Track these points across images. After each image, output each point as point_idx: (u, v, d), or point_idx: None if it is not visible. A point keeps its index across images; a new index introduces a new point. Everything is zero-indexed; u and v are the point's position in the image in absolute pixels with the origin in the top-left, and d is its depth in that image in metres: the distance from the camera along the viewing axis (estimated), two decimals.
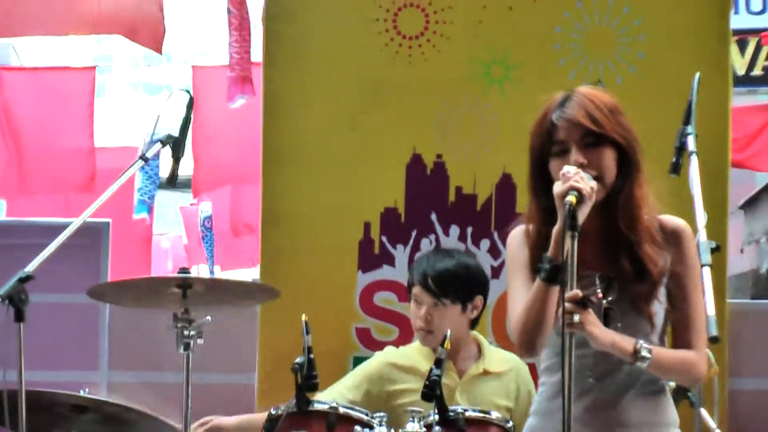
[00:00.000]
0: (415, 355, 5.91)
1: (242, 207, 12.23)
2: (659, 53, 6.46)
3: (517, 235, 4.58)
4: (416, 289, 5.81)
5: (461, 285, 5.89)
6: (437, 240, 6.40)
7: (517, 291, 4.50)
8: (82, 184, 11.02)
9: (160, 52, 10.78)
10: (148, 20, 10.63)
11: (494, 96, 6.37)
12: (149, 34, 10.73)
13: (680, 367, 4.51)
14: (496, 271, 6.18)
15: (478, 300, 5.88)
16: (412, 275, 5.96)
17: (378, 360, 6.07)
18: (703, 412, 5.70)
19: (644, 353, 4.29)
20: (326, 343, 5.79)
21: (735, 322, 6.57)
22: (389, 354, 6.06)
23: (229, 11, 7.97)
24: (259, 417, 5.65)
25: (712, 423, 5.70)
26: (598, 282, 4.33)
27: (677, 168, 4.84)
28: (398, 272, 6.37)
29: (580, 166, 4.22)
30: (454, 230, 6.37)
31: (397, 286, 6.36)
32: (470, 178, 6.44)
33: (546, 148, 4.39)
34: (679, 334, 4.53)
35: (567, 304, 4.08)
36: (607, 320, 4.30)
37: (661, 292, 4.44)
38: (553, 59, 6.35)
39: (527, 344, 4.41)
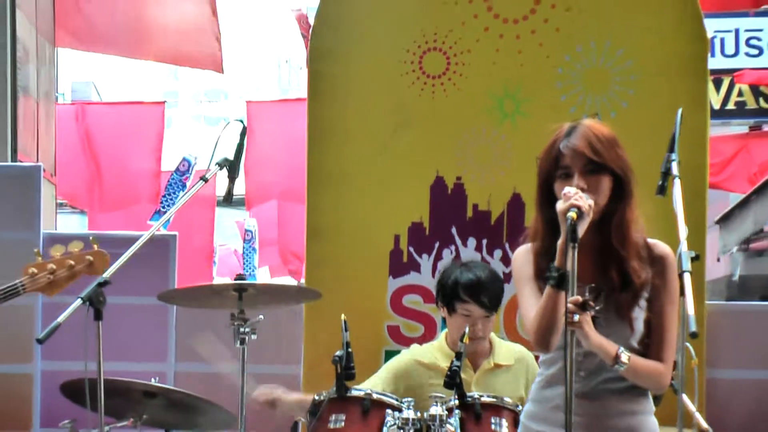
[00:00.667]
0: (436, 353, 6.44)
1: (287, 221, 12.97)
2: (648, 91, 6.93)
3: (522, 253, 5.05)
4: (468, 306, 6.27)
5: (499, 297, 6.46)
6: (457, 250, 6.94)
7: (526, 300, 4.95)
8: (149, 201, 11.88)
9: (222, 71, 12.11)
10: (208, 49, 12.09)
11: (506, 127, 6.90)
12: (209, 60, 12.22)
13: (649, 376, 4.98)
14: (507, 277, 6.53)
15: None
16: (457, 292, 6.38)
17: (405, 357, 6.58)
18: (685, 397, 5.63)
19: (623, 359, 4.79)
20: (362, 339, 6.37)
21: (712, 320, 7.11)
22: (415, 352, 6.57)
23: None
24: (310, 399, 6.11)
25: (692, 407, 5.98)
26: (587, 293, 4.69)
27: (663, 189, 5.15)
28: (423, 278, 6.93)
29: (581, 189, 4.65)
30: (472, 242, 6.91)
31: (423, 290, 6.94)
32: (485, 196, 6.95)
33: (552, 172, 4.80)
34: (653, 345, 4.98)
35: (569, 305, 4.51)
36: (594, 326, 4.73)
37: (641, 302, 4.92)
38: (556, 95, 6.87)
39: (543, 342, 4.87)
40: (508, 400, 5.99)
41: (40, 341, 5.40)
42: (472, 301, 6.21)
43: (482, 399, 5.96)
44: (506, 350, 6.51)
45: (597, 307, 4.70)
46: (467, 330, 5.96)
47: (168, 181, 11.44)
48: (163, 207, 12.33)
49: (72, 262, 5.66)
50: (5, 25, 9.69)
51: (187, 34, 12.74)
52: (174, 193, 11.90)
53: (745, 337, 7.41)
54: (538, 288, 4.86)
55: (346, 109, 7.09)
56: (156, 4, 12.69)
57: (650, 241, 4.98)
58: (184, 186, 11.19)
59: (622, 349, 4.74)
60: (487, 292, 6.25)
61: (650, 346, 4.96)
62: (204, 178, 6.26)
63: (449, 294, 6.32)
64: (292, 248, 13.87)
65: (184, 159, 8.28)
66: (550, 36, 7.08)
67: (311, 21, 9.95)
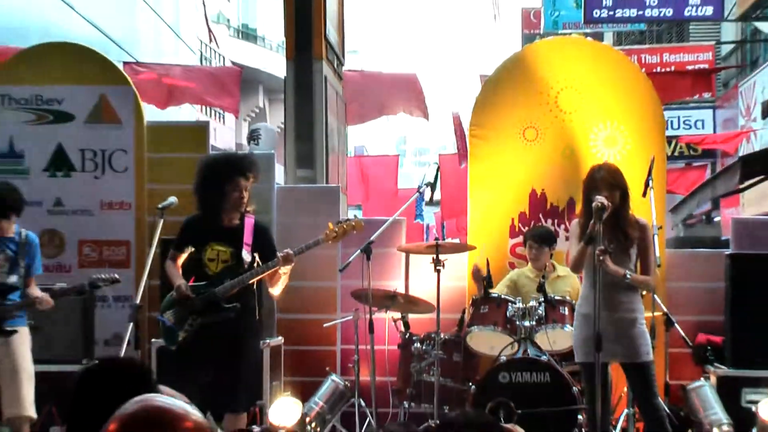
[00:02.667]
0: (528, 273, 9.50)
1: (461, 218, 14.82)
2: (637, 146, 10.08)
3: (574, 224, 7.84)
4: (530, 242, 9.45)
5: (550, 240, 9.49)
6: (542, 224, 10.08)
7: (573, 246, 7.74)
8: (392, 205, 14.72)
9: (427, 117, 15.16)
10: (417, 103, 15.23)
11: (567, 163, 9.99)
12: (421, 108, 15.23)
13: (642, 282, 7.68)
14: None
15: (553, 246, 9.55)
16: (527, 237, 9.60)
17: (516, 272, 9.64)
18: (656, 297, 8.91)
19: (628, 276, 7.47)
20: (498, 267, 9.65)
21: (667, 259, 9.92)
22: (520, 271, 9.64)
23: (455, 132, 11.88)
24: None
25: (661, 304, 9.05)
26: (607, 245, 7.36)
27: (645, 194, 8.81)
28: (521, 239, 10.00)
29: (605, 197, 7.32)
30: (548, 222, 10.22)
31: (520, 244, 10.08)
32: (555, 198, 10.21)
33: (590, 188, 7.58)
34: (642, 269, 7.62)
35: (597, 251, 7.15)
36: (612, 260, 7.43)
37: (634, 248, 7.63)
38: (591, 147, 10.05)
39: (577, 268, 7.79)
40: (568, 298, 8.97)
41: (341, 270, 9.18)
42: (530, 239, 9.54)
43: (555, 297, 8.93)
44: (561, 268, 9.52)
45: (610, 251, 7.40)
46: (549, 261, 9.39)
47: (416, 198, 13.52)
48: (418, 213, 15.82)
49: (345, 226, 8.25)
50: (323, 118, 11.98)
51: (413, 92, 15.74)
52: (419, 203, 15.25)
53: (682, 267, 10.32)
54: (579, 241, 7.57)
55: (492, 159, 10.38)
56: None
57: (638, 217, 7.76)
58: (422, 198, 13.50)
59: (627, 271, 7.47)
60: (539, 236, 9.52)
61: (641, 269, 7.66)
62: (420, 192, 10.12)
63: (525, 239, 9.64)
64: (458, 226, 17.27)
65: (419, 185, 11.13)
66: (583, 117, 10.26)
67: (462, 119, 12.92)
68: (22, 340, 8.30)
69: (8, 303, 8.25)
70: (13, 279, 8.31)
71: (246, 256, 8.01)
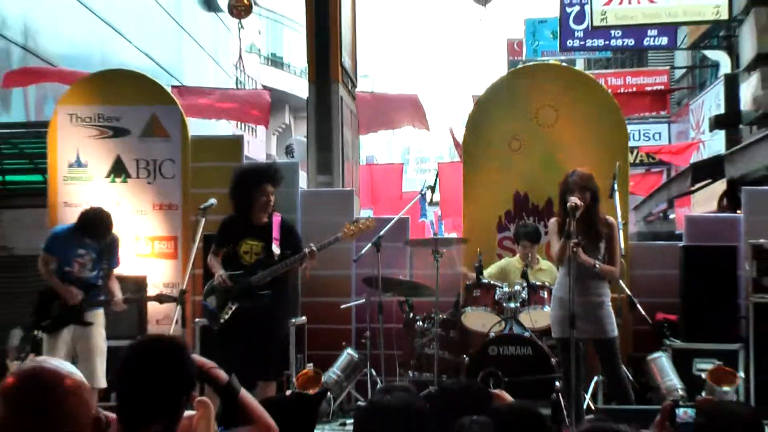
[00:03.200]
0: (516, 262, 9.53)
1: (452, 209, 14.77)
2: (601, 155, 9.88)
3: (553, 221, 7.89)
4: (524, 241, 9.46)
5: (539, 235, 9.47)
6: (525, 220, 10.06)
7: (553, 242, 7.78)
8: (397, 206, 13.75)
9: (428, 129, 14.91)
10: (419, 117, 14.85)
11: (549, 171, 9.92)
12: (422, 122, 14.97)
13: (609, 273, 7.69)
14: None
15: (539, 242, 9.53)
16: (519, 235, 9.55)
17: (505, 261, 9.71)
18: (622, 283, 9.00)
19: (597, 266, 7.55)
20: (488, 257, 9.57)
21: (632, 250, 9.88)
22: (509, 260, 9.68)
23: (454, 143, 11.74)
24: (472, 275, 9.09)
25: (625, 288, 9.17)
26: (580, 240, 7.39)
27: (611, 196, 8.45)
28: (511, 234, 9.94)
29: (579, 198, 7.40)
30: (530, 218, 10.15)
31: (511, 239, 10.02)
32: (536, 199, 10.23)
33: (566, 191, 7.63)
34: (609, 260, 7.64)
35: (571, 243, 7.27)
36: (584, 251, 7.52)
37: (603, 242, 7.67)
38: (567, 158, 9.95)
39: (559, 261, 7.70)
40: (547, 283, 9.00)
41: (355, 260, 9.43)
42: (524, 238, 9.53)
43: (536, 283, 9.06)
44: (543, 262, 9.59)
45: (582, 244, 7.47)
46: (534, 254, 9.43)
47: (419, 199, 13.70)
48: (422, 213, 15.57)
49: (360, 225, 8.44)
50: (339, 132, 12.09)
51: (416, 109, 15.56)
52: (423, 204, 14.71)
53: (643, 257, 10.30)
54: (558, 237, 7.63)
55: (482, 166, 10.45)
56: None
57: (606, 216, 7.82)
58: (424, 199, 13.43)
59: (596, 261, 7.58)
60: (530, 235, 9.51)
61: (608, 260, 7.70)
62: (422, 194, 10.63)
63: (517, 238, 9.59)
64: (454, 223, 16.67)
65: (421, 189, 11.18)
66: (559, 130, 10.27)
67: (455, 133, 12.83)
68: (98, 322, 8.54)
69: (91, 297, 8.50)
70: (95, 275, 8.54)
71: (275, 249, 8.09)
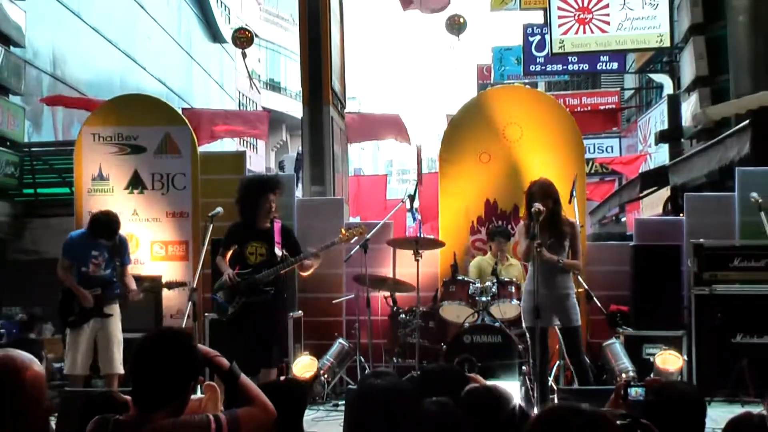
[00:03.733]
0: (488, 260, 9.53)
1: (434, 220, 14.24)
2: (561, 166, 9.92)
3: (520, 225, 7.88)
4: (498, 239, 9.47)
5: (509, 236, 9.47)
6: (495, 225, 10.02)
7: (520, 242, 7.74)
8: (381, 213, 14.59)
9: (410, 143, 15.32)
10: (401, 132, 15.23)
11: (516, 179, 9.87)
12: (404, 137, 15.31)
13: (572, 266, 7.73)
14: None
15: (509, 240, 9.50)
16: (493, 234, 9.58)
17: (479, 260, 9.68)
18: (580, 278, 8.81)
19: (560, 261, 7.56)
20: (462, 257, 9.81)
21: (588, 250, 9.95)
22: (483, 258, 9.68)
23: (417, 161, 12.08)
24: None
25: (583, 283, 8.95)
26: (545, 239, 7.48)
27: (570, 200, 8.88)
28: (483, 236, 10.08)
29: (542, 204, 7.38)
30: (499, 222, 10.09)
31: (483, 240, 10.11)
32: (504, 205, 10.18)
33: (530, 199, 7.60)
34: (572, 255, 7.68)
35: (535, 244, 7.27)
36: (550, 249, 7.57)
37: (567, 241, 7.69)
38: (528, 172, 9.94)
39: (526, 258, 7.67)
40: (514, 279, 9.09)
41: (345, 260, 9.27)
42: (495, 238, 9.57)
43: (505, 279, 9.08)
44: (512, 259, 9.61)
45: (546, 244, 7.53)
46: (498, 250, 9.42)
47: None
48: (409, 218, 15.60)
49: (353, 231, 8.51)
50: (330, 148, 12.08)
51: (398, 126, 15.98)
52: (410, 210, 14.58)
53: (598, 255, 10.23)
54: (525, 238, 7.58)
55: (456, 177, 10.35)
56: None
57: (568, 217, 7.98)
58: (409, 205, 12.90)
59: (560, 258, 7.60)
60: (504, 233, 9.53)
61: (571, 255, 7.74)
62: (403, 201, 10.30)
63: (492, 237, 9.64)
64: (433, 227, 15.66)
65: (403, 197, 11.28)
66: (524, 144, 10.24)
67: (423, 150, 12.55)
68: (115, 314, 8.55)
69: (108, 292, 8.53)
70: (109, 273, 8.57)
71: (278, 251, 8.14)
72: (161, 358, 3.21)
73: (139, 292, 8.63)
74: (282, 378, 8.07)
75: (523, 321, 7.95)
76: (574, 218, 8.07)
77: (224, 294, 8.14)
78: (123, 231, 9.72)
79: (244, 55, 16.79)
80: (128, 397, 3.32)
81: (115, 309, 8.55)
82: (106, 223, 8.53)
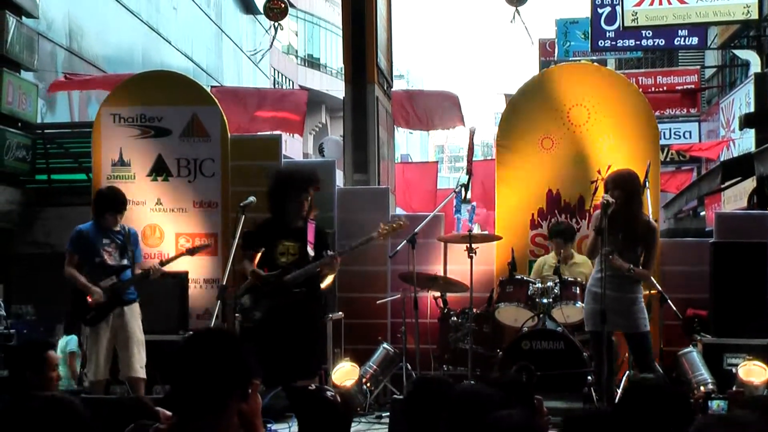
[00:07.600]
0: (551, 260, 9.62)
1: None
2: (633, 154, 10.02)
3: (595, 214, 7.87)
4: (556, 240, 9.60)
5: (572, 235, 9.64)
6: (557, 218, 10.10)
7: (591, 234, 7.89)
8: (433, 204, 14.49)
9: (463, 125, 15.40)
10: (457, 113, 15.41)
11: (584, 168, 10.04)
12: (459, 119, 15.44)
13: (642, 276, 7.86)
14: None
15: (574, 239, 9.63)
16: (552, 233, 9.68)
17: (543, 259, 9.80)
18: (653, 279, 8.81)
19: (631, 270, 7.69)
20: (520, 254, 9.92)
21: (663, 247, 9.65)
22: (546, 257, 9.79)
23: (468, 146, 11.69)
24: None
25: (656, 284, 9.02)
26: (618, 238, 7.56)
27: (643, 192, 8.42)
28: (544, 231, 10.14)
29: (611, 196, 7.59)
30: (562, 216, 10.18)
31: (544, 235, 10.16)
32: (568, 196, 10.23)
33: (604, 190, 7.93)
34: (644, 263, 7.77)
35: (603, 251, 7.44)
36: (620, 252, 7.71)
37: (641, 244, 7.74)
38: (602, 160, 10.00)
39: (591, 255, 7.98)
40: (579, 279, 9.08)
41: (390, 256, 9.28)
42: (555, 237, 9.67)
43: (569, 279, 9.12)
44: (578, 256, 9.59)
45: (616, 251, 7.61)
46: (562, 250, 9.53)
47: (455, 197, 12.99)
48: (456, 209, 15.34)
49: (394, 225, 8.62)
50: (375, 131, 11.90)
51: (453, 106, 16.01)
52: (458, 201, 14.31)
53: (674, 253, 10.26)
54: (595, 234, 7.73)
55: (515, 165, 10.42)
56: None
57: (650, 219, 8.04)
58: (458, 197, 12.81)
59: (630, 265, 7.70)
60: (563, 234, 9.62)
61: (643, 262, 7.84)
62: (455, 191, 10.39)
63: (551, 236, 9.75)
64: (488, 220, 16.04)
65: (456, 186, 11.14)
66: (591, 129, 10.28)
67: (476, 134, 12.49)
68: (134, 314, 8.62)
69: (125, 279, 8.59)
70: (125, 261, 8.62)
71: (310, 251, 8.23)
72: (205, 360, 3.16)
73: (160, 267, 8.65)
74: (315, 387, 8.16)
75: (585, 325, 8.01)
76: (650, 215, 8.08)
77: (249, 298, 8.23)
78: (145, 222, 9.94)
79: (279, 27, 16.73)
80: (166, 412, 3.29)
81: (135, 309, 8.62)
82: (111, 197, 8.62)
